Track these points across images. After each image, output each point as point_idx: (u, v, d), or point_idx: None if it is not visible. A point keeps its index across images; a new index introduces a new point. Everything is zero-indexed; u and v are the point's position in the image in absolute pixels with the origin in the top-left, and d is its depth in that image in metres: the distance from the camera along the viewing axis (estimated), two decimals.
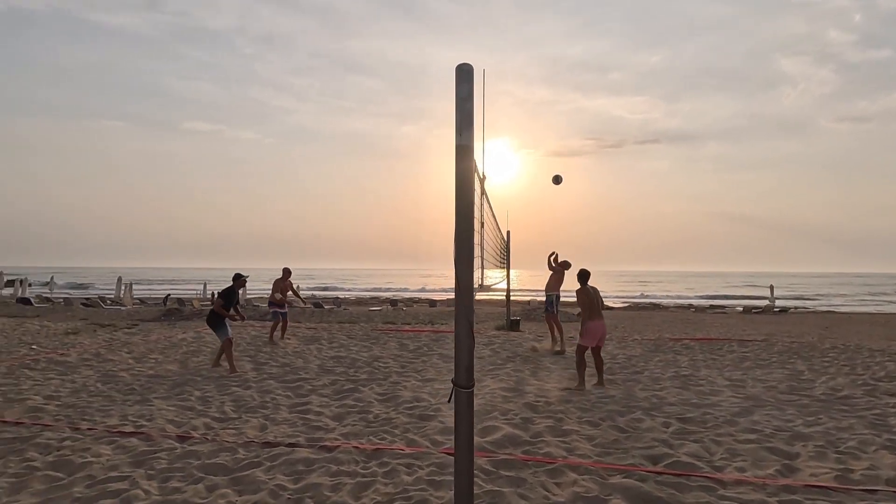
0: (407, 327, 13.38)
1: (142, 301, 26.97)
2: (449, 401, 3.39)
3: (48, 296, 27.48)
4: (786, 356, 8.94)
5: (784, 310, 25.30)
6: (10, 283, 27.29)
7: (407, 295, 43.55)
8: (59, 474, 3.65)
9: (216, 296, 8.20)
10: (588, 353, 6.67)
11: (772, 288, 25.39)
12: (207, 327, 8.20)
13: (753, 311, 24.40)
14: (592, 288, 6.78)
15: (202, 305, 21.67)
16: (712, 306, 29.82)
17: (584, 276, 6.88)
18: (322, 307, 22.76)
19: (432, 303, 29.09)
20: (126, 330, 12.17)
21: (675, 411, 5.44)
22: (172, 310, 18.21)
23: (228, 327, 7.54)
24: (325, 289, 54.35)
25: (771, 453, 4.18)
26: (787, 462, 4.00)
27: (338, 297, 34.05)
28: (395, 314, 19.42)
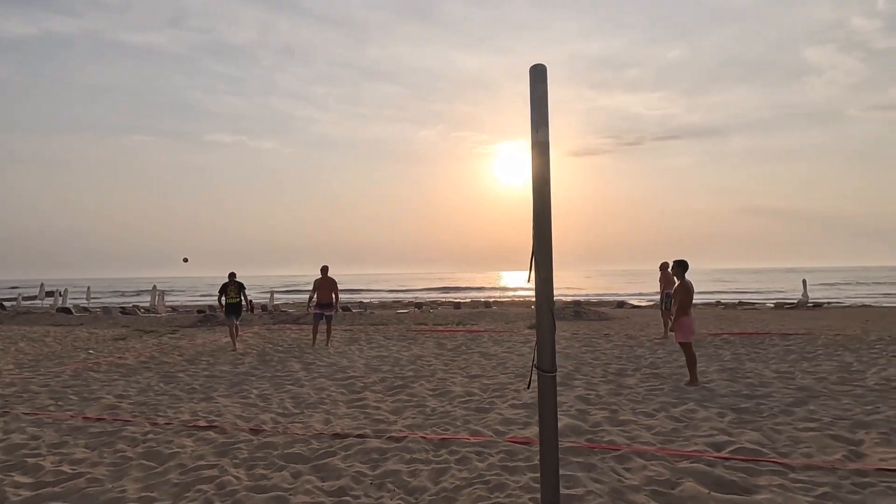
0: (440, 328, 13.53)
1: (174, 309, 27.73)
2: (528, 387, 3.52)
3: (86, 305, 28.46)
4: (832, 349, 8.82)
5: (818, 304, 24.73)
6: (50, 294, 28.38)
7: (429, 298, 43.80)
8: (151, 463, 3.89)
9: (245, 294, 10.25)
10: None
11: (805, 283, 24.85)
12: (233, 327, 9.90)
13: (786, 306, 23.92)
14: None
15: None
16: (742, 302, 29.32)
17: (686, 267, 6.48)
18: (350, 310, 23.10)
19: (457, 305, 29.22)
20: (170, 335, 12.60)
21: (728, 402, 5.47)
22: (209, 316, 18.72)
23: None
24: (345, 291, 54.95)
25: (834, 440, 4.20)
26: (852, 448, 4.02)
27: (362, 301, 34.50)
28: (423, 316, 19.61)
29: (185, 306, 31.70)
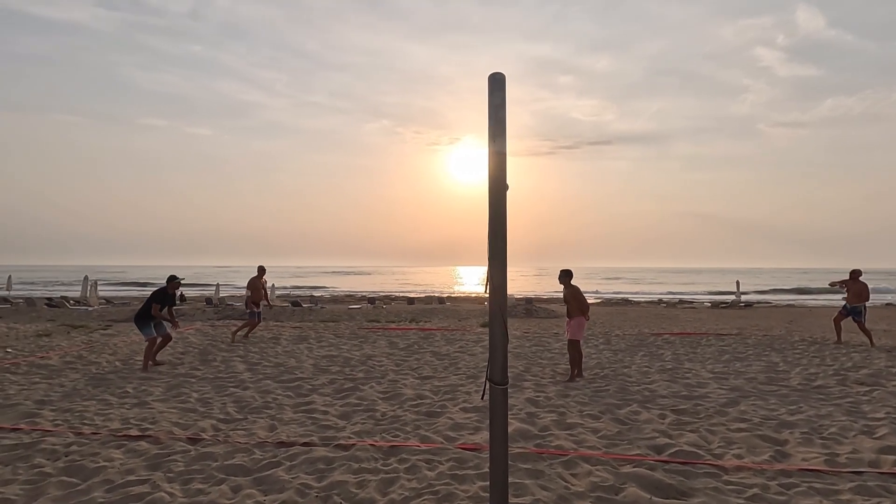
0: (393, 325, 13.41)
1: (108, 301, 26.02)
2: (483, 397, 3.50)
3: (6, 295, 26.17)
4: (760, 349, 9.43)
5: (749, 304, 26.45)
6: None
7: (382, 293, 43.36)
8: (74, 479, 3.58)
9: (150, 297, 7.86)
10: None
11: (738, 283, 26.51)
12: (158, 328, 7.81)
13: (721, 305, 25.43)
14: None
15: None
16: (682, 301, 30.94)
17: (571, 275, 7.16)
18: (300, 305, 22.47)
19: (410, 300, 29.08)
20: (102, 331, 11.79)
21: (669, 403, 5.71)
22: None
23: (154, 327, 7.72)
24: (298, 287, 53.48)
25: (762, 441, 4.46)
26: (778, 448, 4.28)
27: (313, 296, 33.71)
28: (376, 312, 19.37)
29: (122, 298, 29.81)
